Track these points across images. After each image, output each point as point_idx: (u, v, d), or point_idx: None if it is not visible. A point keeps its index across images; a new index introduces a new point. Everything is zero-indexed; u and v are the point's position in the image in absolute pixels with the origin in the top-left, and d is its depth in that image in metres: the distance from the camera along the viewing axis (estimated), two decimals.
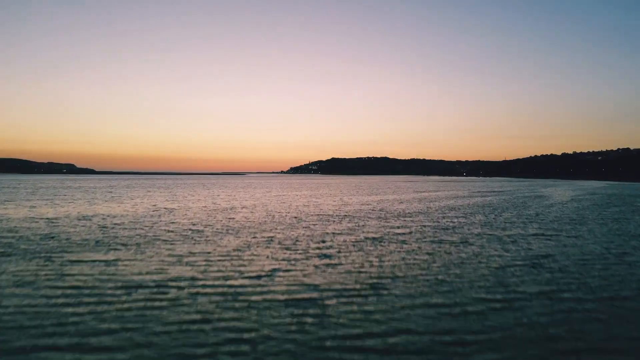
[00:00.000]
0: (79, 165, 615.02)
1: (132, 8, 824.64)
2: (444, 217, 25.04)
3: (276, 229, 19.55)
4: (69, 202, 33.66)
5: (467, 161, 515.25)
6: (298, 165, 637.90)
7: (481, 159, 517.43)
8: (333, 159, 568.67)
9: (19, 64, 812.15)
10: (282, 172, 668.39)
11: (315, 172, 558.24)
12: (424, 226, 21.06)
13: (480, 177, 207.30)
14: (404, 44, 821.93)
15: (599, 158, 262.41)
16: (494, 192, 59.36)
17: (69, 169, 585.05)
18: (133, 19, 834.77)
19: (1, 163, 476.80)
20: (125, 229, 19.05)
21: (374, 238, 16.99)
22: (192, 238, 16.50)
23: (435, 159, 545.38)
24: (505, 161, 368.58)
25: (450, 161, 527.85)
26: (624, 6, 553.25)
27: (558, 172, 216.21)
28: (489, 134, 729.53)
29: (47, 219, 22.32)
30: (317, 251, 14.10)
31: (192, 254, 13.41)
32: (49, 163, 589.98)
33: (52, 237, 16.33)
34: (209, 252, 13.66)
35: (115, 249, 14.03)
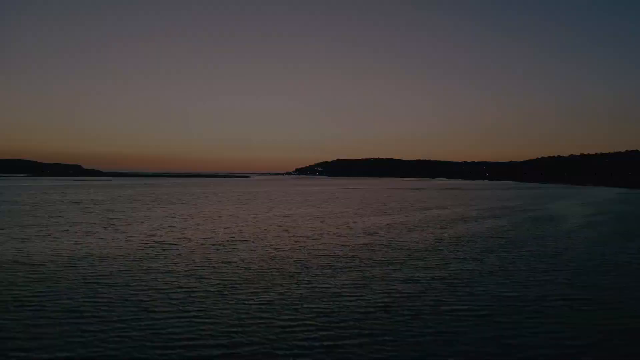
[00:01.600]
0: (85, 166, 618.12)
1: (143, 8, 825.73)
2: (455, 258, 23.45)
3: (273, 282, 17.96)
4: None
5: (473, 162, 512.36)
6: (303, 166, 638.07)
7: (487, 160, 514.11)
8: (339, 160, 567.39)
9: (25, 64, 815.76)
10: (287, 172, 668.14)
11: (321, 173, 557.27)
12: (434, 279, 19.43)
13: (487, 181, 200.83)
14: (410, 43, 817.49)
15: (606, 160, 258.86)
16: (504, 209, 57.55)
17: (75, 170, 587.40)
18: (142, 19, 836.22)
19: (10, 164, 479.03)
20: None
21: (380, 305, 15.31)
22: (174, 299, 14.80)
23: (441, 159, 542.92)
24: (511, 163, 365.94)
25: (457, 162, 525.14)
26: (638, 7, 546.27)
27: (566, 177, 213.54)
28: (495, 134, 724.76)
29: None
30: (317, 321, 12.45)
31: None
32: (56, 164, 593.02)
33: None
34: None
35: None
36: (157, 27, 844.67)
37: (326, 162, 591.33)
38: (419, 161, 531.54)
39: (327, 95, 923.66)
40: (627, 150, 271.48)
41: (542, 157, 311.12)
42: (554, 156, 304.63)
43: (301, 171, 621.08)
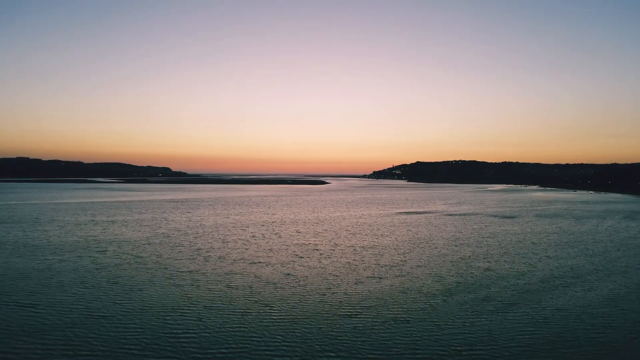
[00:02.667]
0: (174, 169, 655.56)
1: (210, 15, 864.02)
2: None
3: None
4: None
5: (567, 164, 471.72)
6: (381, 169, 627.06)
7: (582, 162, 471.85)
8: (418, 163, 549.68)
9: (114, 72, 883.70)
10: (364, 175, 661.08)
11: (399, 177, 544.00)
12: None
13: (594, 194, 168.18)
14: (492, 41, 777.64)
15: None
16: None
17: (164, 173, 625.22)
18: (209, 26, 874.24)
19: (110, 168, 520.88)
20: None
21: None
22: None
23: (530, 162, 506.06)
24: (615, 165, 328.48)
25: (548, 165, 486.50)
26: None
27: None
28: (586, 132, 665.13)
29: None
30: None
31: None
32: (148, 167, 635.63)
33: None
34: None
35: None
36: (227, 33, 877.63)
37: (405, 165, 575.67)
38: (505, 163, 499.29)
39: (405, 96, 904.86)
40: None
41: None
42: None
43: (379, 174, 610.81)
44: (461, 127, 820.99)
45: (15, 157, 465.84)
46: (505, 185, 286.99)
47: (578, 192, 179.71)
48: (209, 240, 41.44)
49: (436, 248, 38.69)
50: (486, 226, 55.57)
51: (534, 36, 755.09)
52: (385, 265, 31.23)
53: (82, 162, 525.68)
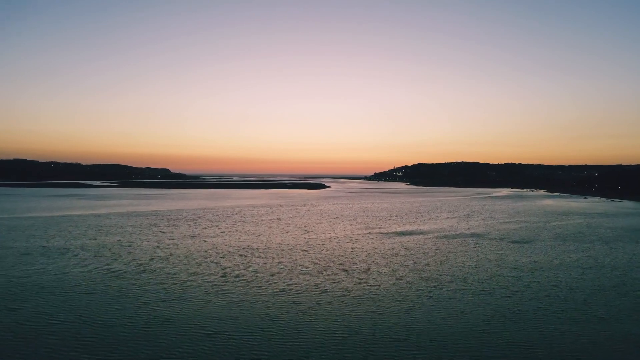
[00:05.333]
0: (173, 170, 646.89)
1: (209, 16, 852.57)
2: None
3: None
4: None
5: (570, 166, 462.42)
6: (382, 169, 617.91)
7: (587, 163, 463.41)
8: (419, 164, 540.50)
9: (114, 72, 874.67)
10: (365, 177, 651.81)
11: (400, 178, 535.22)
12: None
13: (606, 201, 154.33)
14: (492, 42, 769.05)
15: None
16: None
17: (163, 175, 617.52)
18: (209, 26, 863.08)
19: (108, 170, 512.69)
20: None
21: None
22: None
23: (533, 163, 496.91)
24: (619, 167, 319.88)
25: (551, 166, 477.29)
26: None
27: None
28: (587, 132, 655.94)
29: None
30: None
31: None
32: (146, 168, 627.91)
33: None
34: None
35: None
36: (234, 34, 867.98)
37: (406, 167, 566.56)
38: (507, 165, 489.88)
39: (407, 95, 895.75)
40: None
41: None
42: None
43: (380, 176, 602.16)
44: (461, 127, 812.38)
45: (12, 158, 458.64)
46: (510, 189, 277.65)
47: (589, 199, 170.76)
48: (167, 285, 33.01)
49: (450, 299, 30.21)
50: (506, 256, 47.06)
51: (534, 36, 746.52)
52: (386, 336, 22.80)
53: (80, 164, 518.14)
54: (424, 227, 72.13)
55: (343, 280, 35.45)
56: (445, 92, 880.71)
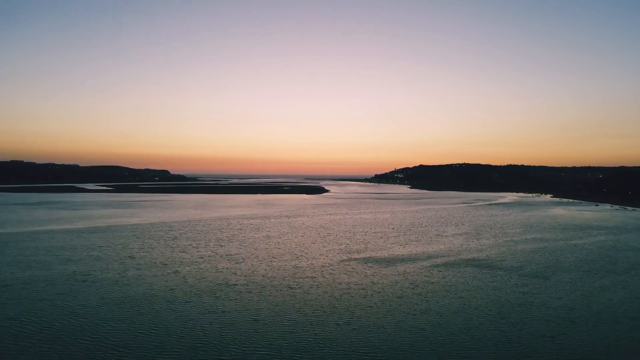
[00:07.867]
0: (173, 170, 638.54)
1: (209, 17, 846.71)
2: None
3: None
4: None
5: (574, 167, 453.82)
6: (383, 172, 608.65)
7: (586, 164, 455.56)
8: (421, 166, 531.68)
9: (114, 73, 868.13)
10: (366, 179, 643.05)
11: (402, 180, 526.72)
12: None
13: (619, 206, 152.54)
14: (492, 42, 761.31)
15: None
16: None
17: (161, 176, 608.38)
18: (208, 27, 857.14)
19: (106, 172, 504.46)
20: None
21: None
22: None
23: (535, 164, 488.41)
24: (622, 169, 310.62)
25: (554, 167, 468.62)
26: None
27: None
28: (587, 132, 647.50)
29: None
30: None
31: None
32: (145, 169, 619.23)
33: None
34: None
35: None
36: (233, 35, 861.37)
37: (407, 168, 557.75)
38: (509, 166, 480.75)
39: (407, 95, 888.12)
40: None
41: None
42: None
43: (381, 178, 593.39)
44: (461, 127, 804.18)
45: (9, 160, 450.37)
46: (515, 194, 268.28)
47: (600, 206, 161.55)
48: (104, 344, 25.04)
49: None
50: (532, 297, 39.04)
51: (534, 36, 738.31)
52: None
53: (78, 165, 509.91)
54: (430, 249, 64.08)
55: (334, 344, 27.50)
56: (445, 92, 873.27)
